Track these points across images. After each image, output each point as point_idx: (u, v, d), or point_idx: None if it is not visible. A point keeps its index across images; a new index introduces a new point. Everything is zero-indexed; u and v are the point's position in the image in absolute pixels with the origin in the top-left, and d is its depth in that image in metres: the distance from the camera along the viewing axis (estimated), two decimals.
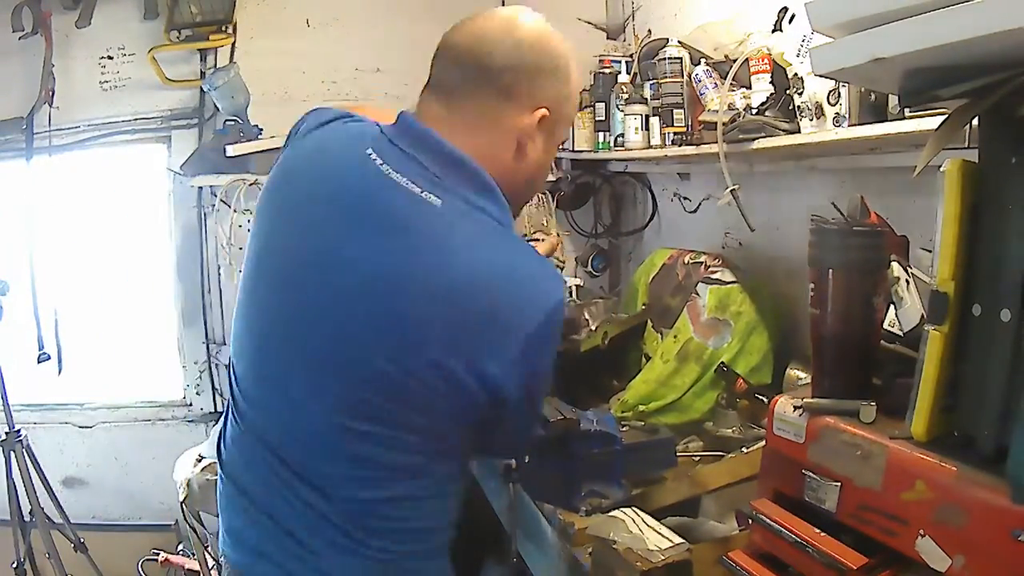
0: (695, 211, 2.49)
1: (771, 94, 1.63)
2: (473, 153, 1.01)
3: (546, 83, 1.05)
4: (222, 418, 1.18)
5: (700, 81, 1.92)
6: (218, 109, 2.55)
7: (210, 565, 2.31)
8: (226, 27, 2.59)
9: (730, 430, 1.77)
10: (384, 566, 1.04)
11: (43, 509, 2.32)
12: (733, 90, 1.74)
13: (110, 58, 2.62)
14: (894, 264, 1.04)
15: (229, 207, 2.46)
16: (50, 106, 2.53)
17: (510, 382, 0.98)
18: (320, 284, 0.98)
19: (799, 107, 1.50)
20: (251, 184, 2.47)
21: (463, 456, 1.12)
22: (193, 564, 2.47)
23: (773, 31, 1.66)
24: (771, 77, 1.64)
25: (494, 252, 0.98)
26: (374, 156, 1.00)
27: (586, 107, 2.58)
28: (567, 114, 1.12)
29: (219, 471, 1.15)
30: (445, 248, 0.95)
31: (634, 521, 1.35)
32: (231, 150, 2.39)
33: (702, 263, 2.01)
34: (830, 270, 1.01)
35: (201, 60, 2.66)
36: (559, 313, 1.01)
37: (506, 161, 1.05)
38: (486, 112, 1.04)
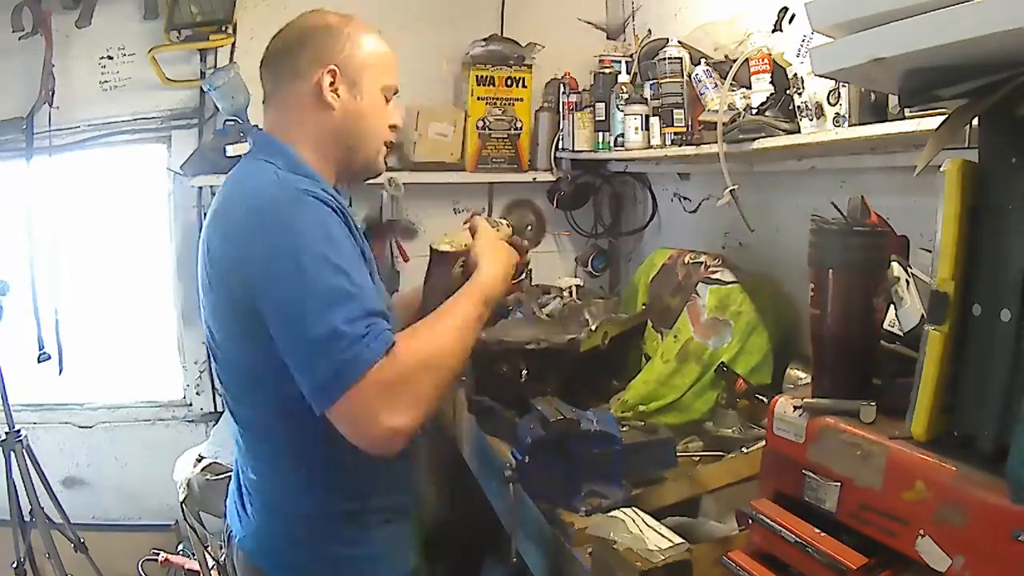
0: (695, 211, 2.49)
1: (771, 94, 1.63)
2: (276, 129, 1.27)
3: (323, 47, 1.25)
4: None
5: (700, 81, 1.92)
6: (218, 109, 2.55)
7: (210, 565, 2.31)
8: (226, 27, 2.59)
9: (730, 430, 1.77)
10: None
11: (43, 509, 2.32)
12: (733, 90, 1.74)
13: (110, 58, 2.61)
14: (894, 264, 1.04)
15: None
16: (50, 106, 2.53)
17: (239, 259, 1.11)
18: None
19: (799, 107, 1.50)
20: None
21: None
22: (193, 564, 2.47)
23: (773, 31, 1.66)
24: (771, 77, 1.65)
25: (248, 180, 1.19)
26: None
27: (586, 107, 2.58)
28: (364, 64, 1.28)
29: None
30: (220, 197, 1.22)
31: (634, 521, 1.35)
32: (231, 150, 2.39)
33: (702, 263, 2.01)
34: (830, 270, 1.01)
35: (201, 60, 2.66)
36: (276, 203, 1.11)
37: (316, 118, 1.25)
38: (287, 92, 1.27)
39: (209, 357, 1.31)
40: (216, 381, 2.81)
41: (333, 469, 1.21)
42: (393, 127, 1.35)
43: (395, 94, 1.34)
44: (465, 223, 1.40)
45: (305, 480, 1.23)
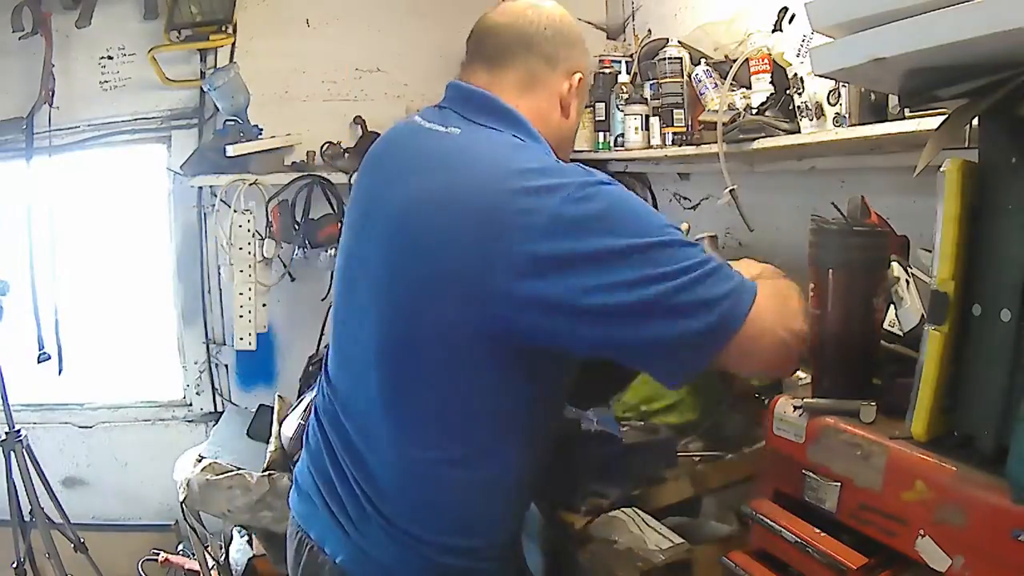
0: (694, 210, 2.49)
1: (771, 94, 1.63)
2: (520, 107, 1.12)
3: (575, 52, 1.19)
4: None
5: (700, 81, 1.92)
6: (218, 109, 2.55)
7: (210, 565, 2.31)
8: (226, 27, 2.59)
9: (730, 430, 1.77)
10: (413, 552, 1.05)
11: (43, 509, 2.32)
12: (733, 90, 1.74)
13: (110, 58, 2.61)
14: (894, 264, 1.04)
15: (229, 207, 2.47)
16: (50, 106, 2.53)
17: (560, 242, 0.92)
18: (369, 239, 1.09)
19: (799, 107, 1.50)
20: (251, 184, 2.47)
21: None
22: (193, 564, 2.47)
23: (773, 31, 1.66)
24: (771, 77, 1.64)
25: (522, 151, 1.04)
26: (418, 120, 1.14)
27: (586, 107, 2.58)
28: (588, 82, 1.25)
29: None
30: (455, 164, 1.03)
31: (634, 521, 1.35)
32: (231, 150, 2.39)
33: None
34: (830, 270, 1.01)
35: (201, 60, 2.65)
36: (579, 191, 0.93)
37: (555, 119, 1.17)
38: (533, 76, 1.15)
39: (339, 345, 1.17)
40: (217, 381, 2.81)
41: (515, 507, 1.15)
42: None
43: None
44: None
45: (496, 509, 1.10)
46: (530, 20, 1.17)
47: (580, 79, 1.19)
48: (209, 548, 2.31)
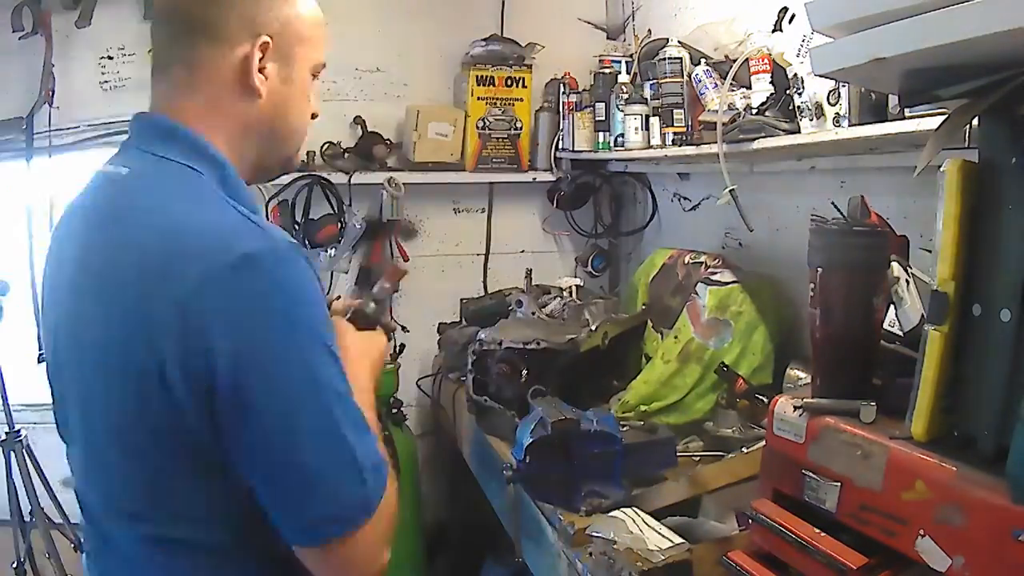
0: (695, 210, 2.50)
1: (771, 94, 1.63)
2: (190, 118, 0.91)
3: (257, 7, 0.92)
4: None
5: (700, 81, 1.92)
6: None
7: None
8: None
9: (730, 430, 1.77)
10: None
11: (43, 509, 2.32)
12: (733, 90, 1.74)
13: (110, 58, 2.61)
14: (894, 264, 1.04)
15: None
16: (50, 106, 2.53)
17: (183, 344, 0.76)
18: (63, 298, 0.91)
19: (799, 107, 1.50)
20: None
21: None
22: None
23: (773, 31, 1.66)
24: (771, 77, 1.65)
25: (179, 202, 0.84)
26: (102, 166, 0.95)
27: (586, 107, 2.58)
28: (302, 34, 0.97)
29: None
30: (115, 213, 0.86)
31: (634, 521, 1.35)
32: None
33: (702, 263, 2.01)
34: (830, 270, 1.01)
35: None
36: (260, 263, 0.78)
37: (234, 106, 0.93)
38: (196, 62, 0.91)
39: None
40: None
41: None
42: (313, 116, 1.05)
43: (318, 76, 1.04)
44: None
45: None
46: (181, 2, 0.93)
47: (265, 43, 0.92)
48: None
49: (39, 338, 2.58)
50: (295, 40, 0.96)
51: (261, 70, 0.93)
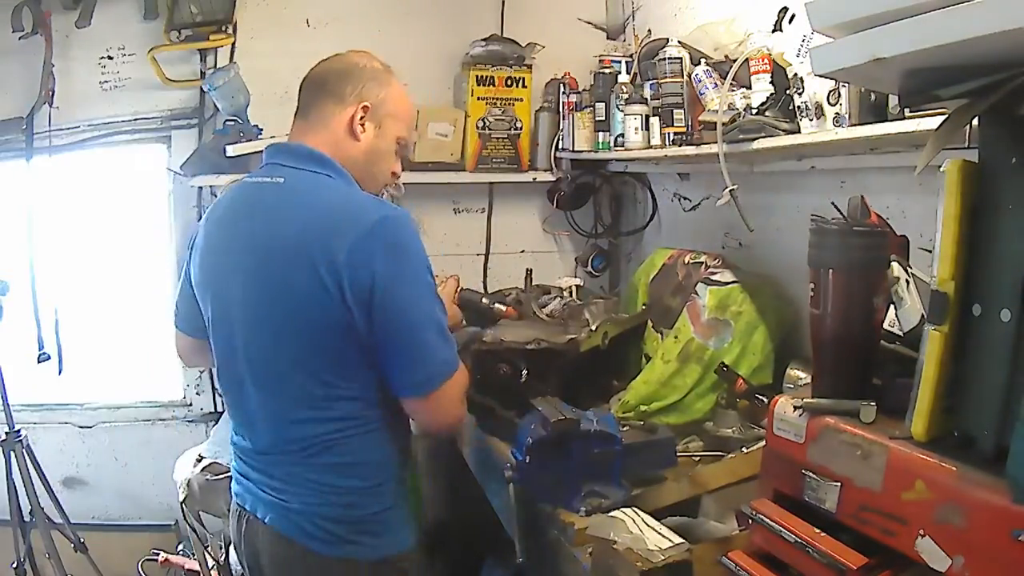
0: (694, 210, 2.49)
1: (771, 94, 1.63)
2: (319, 145, 1.39)
3: (365, 85, 1.42)
4: None
5: (700, 81, 1.92)
6: (218, 109, 2.54)
7: (210, 565, 2.31)
8: (226, 27, 2.58)
9: (730, 430, 1.77)
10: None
11: (43, 509, 2.32)
12: (733, 90, 1.74)
13: (110, 58, 2.61)
14: (894, 264, 1.04)
15: None
16: (50, 106, 2.53)
17: (352, 272, 1.24)
18: (231, 278, 1.37)
19: (799, 107, 1.50)
20: None
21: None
22: (193, 564, 2.46)
23: (773, 31, 1.66)
24: (771, 77, 1.65)
25: (329, 192, 1.35)
26: (249, 178, 1.45)
27: (586, 107, 2.58)
28: (392, 111, 1.45)
29: None
30: (286, 203, 1.33)
31: (634, 521, 1.35)
32: (231, 150, 2.39)
33: (702, 263, 2.01)
34: (830, 270, 1.01)
35: (201, 60, 2.65)
36: (391, 223, 1.29)
37: (345, 143, 1.41)
38: (325, 113, 1.42)
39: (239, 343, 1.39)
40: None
41: (393, 438, 1.41)
42: (394, 175, 1.52)
43: (405, 149, 1.52)
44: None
45: (377, 445, 1.37)
46: (324, 67, 1.46)
47: (366, 107, 1.41)
48: (209, 548, 2.31)
49: (39, 338, 2.58)
50: (387, 113, 1.45)
51: (361, 122, 1.41)
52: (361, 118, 1.41)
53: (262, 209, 1.35)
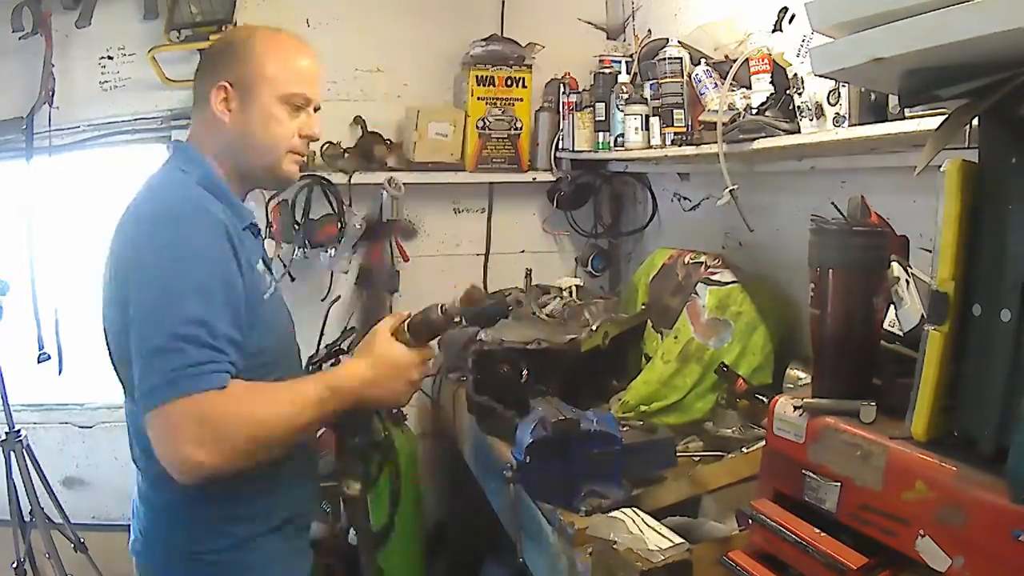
0: (694, 210, 2.49)
1: (771, 94, 1.63)
2: (194, 135, 1.37)
3: (220, 63, 1.34)
4: None
5: (700, 81, 1.92)
6: None
7: None
8: (226, 27, 2.58)
9: (730, 430, 1.77)
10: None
11: (43, 509, 2.32)
12: (733, 90, 1.74)
13: (110, 58, 2.61)
14: (894, 264, 1.04)
15: None
16: (50, 106, 2.53)
17: (124, 264, 1.19)
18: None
19: (799, 107, 1.50)
20: None
21: None
22: None
23: (773, 31, 1.66)
24: (771, 77, 1.65)
25: (146, 188, 1.29)
26: None
27: (586, 107, 2.58)
28: (261, 76, 1.33)
29: None
30: (131, 203, 1.27)
31: (634, 521, 1.35)
32: None
33: (702, 263, 2.01)
34: (830, 270, 1.01)
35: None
36: (170, 217, 1.19)
37: (217, 124, 1.33)
38: (198, 96, 1.36)
39: (111, 358, 1.32)
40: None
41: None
42: (305, 136, 1.37)
43: (308, 104, 1.37)
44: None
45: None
46: (197, 70, 1.40)
47: (223, 86, 1.31)
48: None
49: (39, 338, 2.58)
50: (255, 81, 1.32)
51: (227, 105, 1.32)
52: (224, 99, 1.32)
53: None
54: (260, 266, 1.34)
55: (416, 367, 1.30)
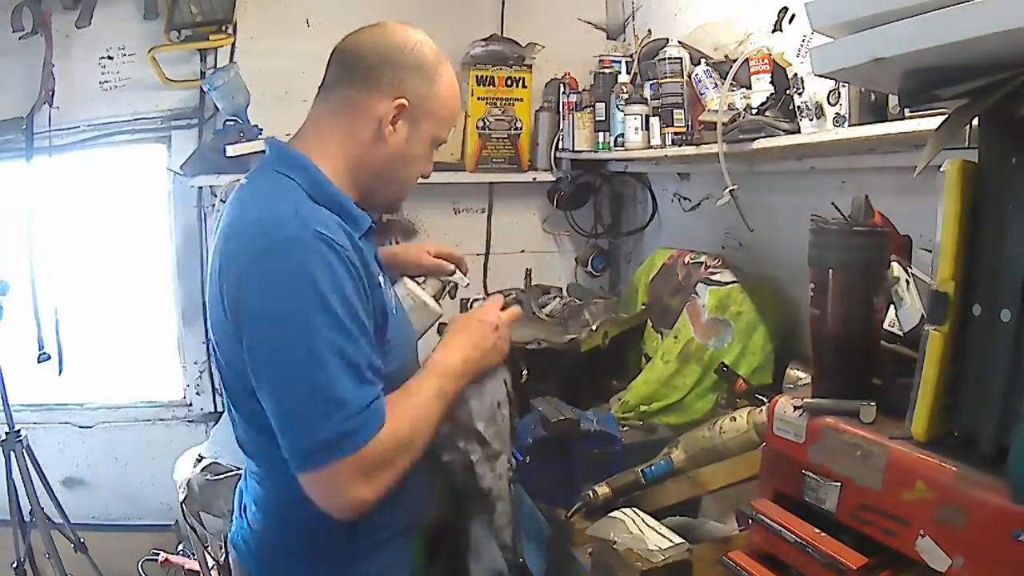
0: (695, 210, 2.49)
1: (771, 94, 1.63)
2: (328, 139, 1.19)
3: (407, 77, 1.19)
4: None
5: (700, 81, 1.92)
6: (218, 109, 2.54)
7: (210, 565, 2.31)
8: (226, 27, 2.58)
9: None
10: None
11: (43, 509, 2.32)
12: (733, 90, 1.74)
13: (110, 58, 2.61)
14: (894, 264, 1.04)
15: None
16: (50, 106, 2.53)
17: (238, 296, 1.07)
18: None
19: (799, 107, 1.50)
20: None
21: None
22: (193, 564, 2.47)
23: (773, 31, 1.66)
24: (771, 77, 1.64)
25: (256, 199, 1.14)
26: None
27: (586, 107, 2.58)
28: (434, 112, 1.23)
29: None
30: (226, 211, 1.16)
31: (634, 521, 1.35)
32: (231, 150, 2.39)
33: (702, 263, 2.01)
34: (830, 270, 1.01)
35: (201, 60, 2.65)
36: (288, 245, 1.04)
37: (365, 142, 1.19)
38: (351, 100, 1.19)
39: (209, 356, 1.28)
40: (217, 380, 2.81)
41: None
42: (423, 176, 1.32)
43: (437, 146, 1.30)
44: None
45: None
46: (362, 42, 1.23)
47: (402, 105, 1.18)
48: (209, 548, 2.31)
49: (39, 338, 2.58)
50: (427, 113, 1.21)
51: (393, 123, 1.18)
52: (394, 117, 1.17)
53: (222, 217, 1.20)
54: (379, 275, 1.20)
55: (488, 312, 1.34)
